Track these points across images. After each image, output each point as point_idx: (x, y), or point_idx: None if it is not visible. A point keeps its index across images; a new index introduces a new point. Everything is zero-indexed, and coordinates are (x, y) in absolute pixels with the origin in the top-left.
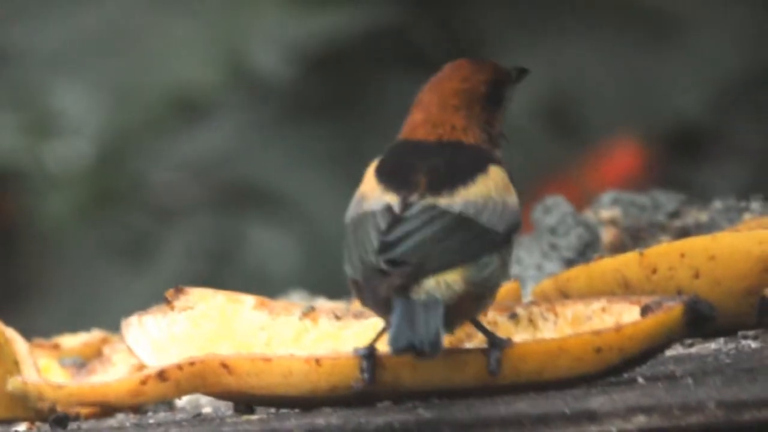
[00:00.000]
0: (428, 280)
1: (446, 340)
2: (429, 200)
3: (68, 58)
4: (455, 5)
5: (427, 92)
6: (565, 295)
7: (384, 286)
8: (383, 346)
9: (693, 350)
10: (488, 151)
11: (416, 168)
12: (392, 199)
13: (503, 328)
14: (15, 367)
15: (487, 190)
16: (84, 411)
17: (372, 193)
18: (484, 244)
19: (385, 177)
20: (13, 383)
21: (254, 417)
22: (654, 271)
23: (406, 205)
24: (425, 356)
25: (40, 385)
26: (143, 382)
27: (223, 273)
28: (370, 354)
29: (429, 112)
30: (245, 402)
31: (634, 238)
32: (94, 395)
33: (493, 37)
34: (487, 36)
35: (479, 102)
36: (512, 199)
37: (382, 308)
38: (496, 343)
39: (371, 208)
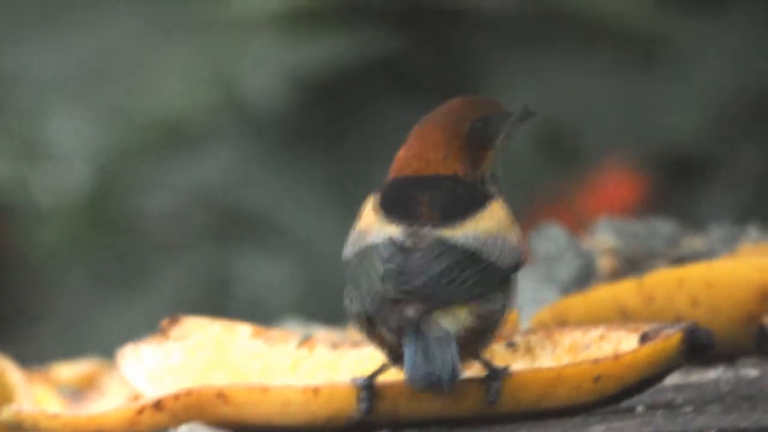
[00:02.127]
0: (439, 314)
1: None
2: (435, 233)
3: (62, 86)
4: (451, 33)
5: (417, 130)
6: (563, 323)
7: (396, 317)
8: (386, 377)
9: (692, 378)
10: (483, 187)
11: (417, 200)
12: (394, 231)
13: (501, 356)
14: (9, 396)
15: (490, 225)
16: None
17: (372, 227)
18: (490, 279)
19: (386, 210)
20: (6, 413)
21: None
22: (652, 298)
23: (410, 236)
24: (443, 389)
25: (34, 415)
26: (139, 412)
27: (218, 301)
28: (368, 384)
29: (418, 148)
30: (242, 430)
31: (631, 265)
32: (89, 425)
33: (489, 64)
34: (483, 62)
35: (462, 138)
36: (514, 236)
37: (389, 340)
38: (494, 373)
39: (373, 241)
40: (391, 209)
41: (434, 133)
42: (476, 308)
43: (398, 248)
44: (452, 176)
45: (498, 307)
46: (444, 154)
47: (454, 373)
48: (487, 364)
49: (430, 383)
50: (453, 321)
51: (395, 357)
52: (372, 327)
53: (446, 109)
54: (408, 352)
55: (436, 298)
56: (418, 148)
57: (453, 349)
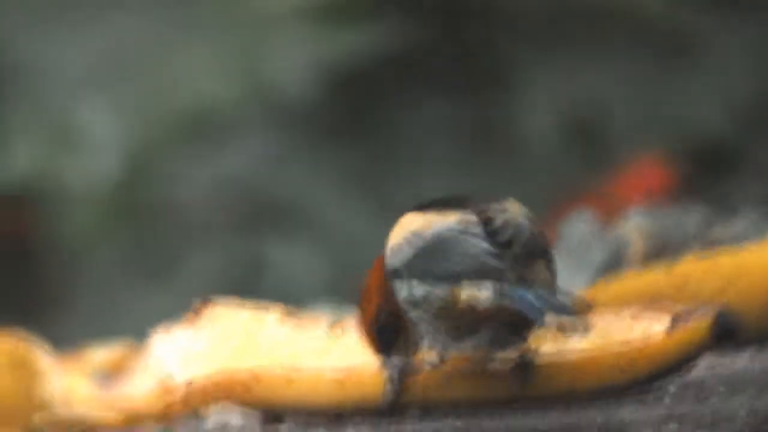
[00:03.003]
0: (537, 270)
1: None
2: (489, 210)
3: (90, 77)
4: (476, 27)
5: None
6: None
7: (500, 280)
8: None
9: (723, 361)
10: None
11: (452, 198)
12: (458, 216)
13: (533, 339)
14: (40, 381)
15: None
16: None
17: (430, 224)
18: (546, 243)
19: (434, 209)
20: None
21: (283, 426)
22: (683, 285)
23: (475, 216)
24: (572, 313)
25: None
26: (170, 395)
27: (247, 289)
28: (398, 367)
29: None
30: (273, 413)
31: (662, 252)
32: (121, 408)
33: (514, 57)
34: (508, 55)
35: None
36: None
37: (475, 316)
38: (526, 356)
39: (444, 230)
40: (439, 207)
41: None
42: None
43: (476, 225)
44: None
45: (554, 273)
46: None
47: (583, 301)
48: (523, 347)
49: (564, 311)
50: (542, 282)
51: (463, 334)
52: (450, 309)
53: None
54: (522, 298)
55: (533, 256)
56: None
57: (559, 295)
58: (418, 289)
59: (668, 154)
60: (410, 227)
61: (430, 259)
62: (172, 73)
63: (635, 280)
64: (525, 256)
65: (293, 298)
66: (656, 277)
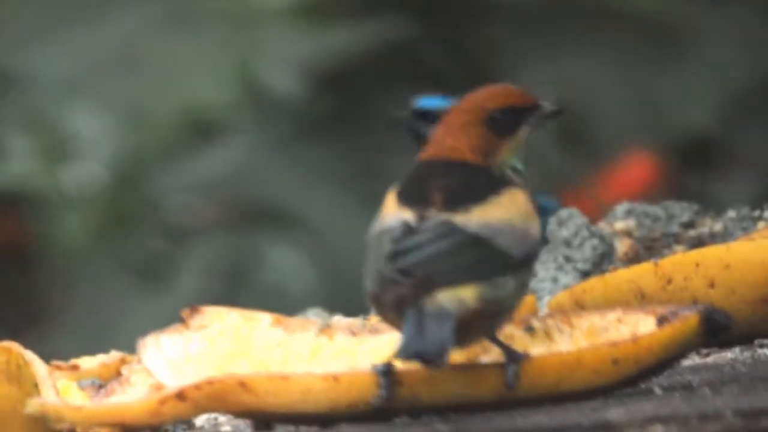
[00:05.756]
0: (442, 293)
1: (463, 355)
2: (444, 216)
3: (81, 82)
4: (466, 22)
5: (446, 114)
6: (581, 307)
7: (392, 296)
8: (401, 362)
9: (709, 360)
10: (500, 175)
11: (430, 185)
12: (408, 215)
13: (519, 341)
14: (34, 389)
15: (501, 213)
16: (102, 431)
17: (390, 212)
18: (497, 265)
19: (403, 196)
20: (31, 405)
21: None
22: (669, 281)
23: (421, 219)
24: (432, 365)
25: (59, 407)
26: (161, 403)
27: (239, 292)
28: (387, 370)
29: (439, 132)
30: (264, 419)
31: (648, 249)
32: (112, 416)
33: (504, 53)
34: (499, 51)
35: (477, 127)
36: (534, 225)
37: (395, 320)
38: (513, 357)
39: (388, 225)
40: (407, 195)
41: (455, 118)
42: (483, 290)
43: (406, 231)
44: (466, 163)
45: (508, 293)
46: (458, 141)
47: (443, 351)
48: (506, 349)
49: (419, 359)
50: (456, 301)
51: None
52: (380, 307)
53: (474, 95)
54: (405, 328)
55: (431, 278)
56: (439, 133)
57: (449, 327)
58: (364, 275)
59: (655, 150)
60: (387, 206)
61: (367, 256)
62: (162, 76)
63: (621, 276)
64: (425, 280)
65: (285, 302)
66: (642, 273)
